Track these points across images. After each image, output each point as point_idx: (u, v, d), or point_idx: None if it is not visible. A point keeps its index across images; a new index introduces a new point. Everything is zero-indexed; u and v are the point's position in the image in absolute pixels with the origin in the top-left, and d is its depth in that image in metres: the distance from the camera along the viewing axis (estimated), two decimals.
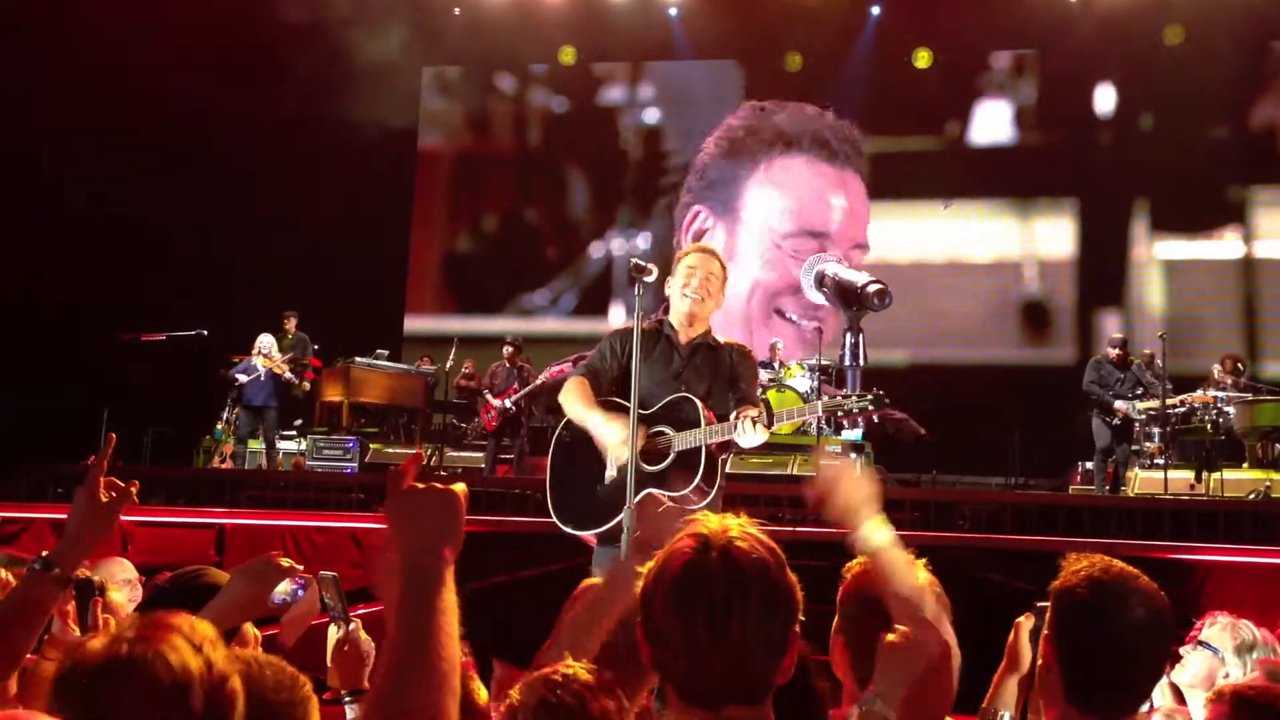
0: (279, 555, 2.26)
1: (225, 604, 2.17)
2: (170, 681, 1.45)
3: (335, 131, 13.37)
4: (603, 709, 1.82)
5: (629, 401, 4.17)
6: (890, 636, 1.88)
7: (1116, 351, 10.65)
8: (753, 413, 4.00)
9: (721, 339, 4.48)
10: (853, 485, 2.11)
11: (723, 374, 4.36)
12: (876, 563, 2.09)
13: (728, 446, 4.19)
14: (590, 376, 4.38)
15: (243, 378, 11.22)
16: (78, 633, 2.40)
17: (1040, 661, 2.04)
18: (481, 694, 2.22)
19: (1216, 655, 3.18)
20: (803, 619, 1.66)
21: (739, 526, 1.64)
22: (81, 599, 2.46)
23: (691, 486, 4.03)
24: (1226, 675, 3.10)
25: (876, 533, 2.08)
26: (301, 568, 2.27)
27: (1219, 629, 3.25)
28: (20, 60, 11.99)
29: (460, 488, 1.54)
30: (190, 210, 13.04)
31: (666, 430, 4.19)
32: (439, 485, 1.53)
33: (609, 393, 4.35)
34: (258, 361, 11.20)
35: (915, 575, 2.06)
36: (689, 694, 1.58)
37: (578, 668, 1.87)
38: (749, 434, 3.98)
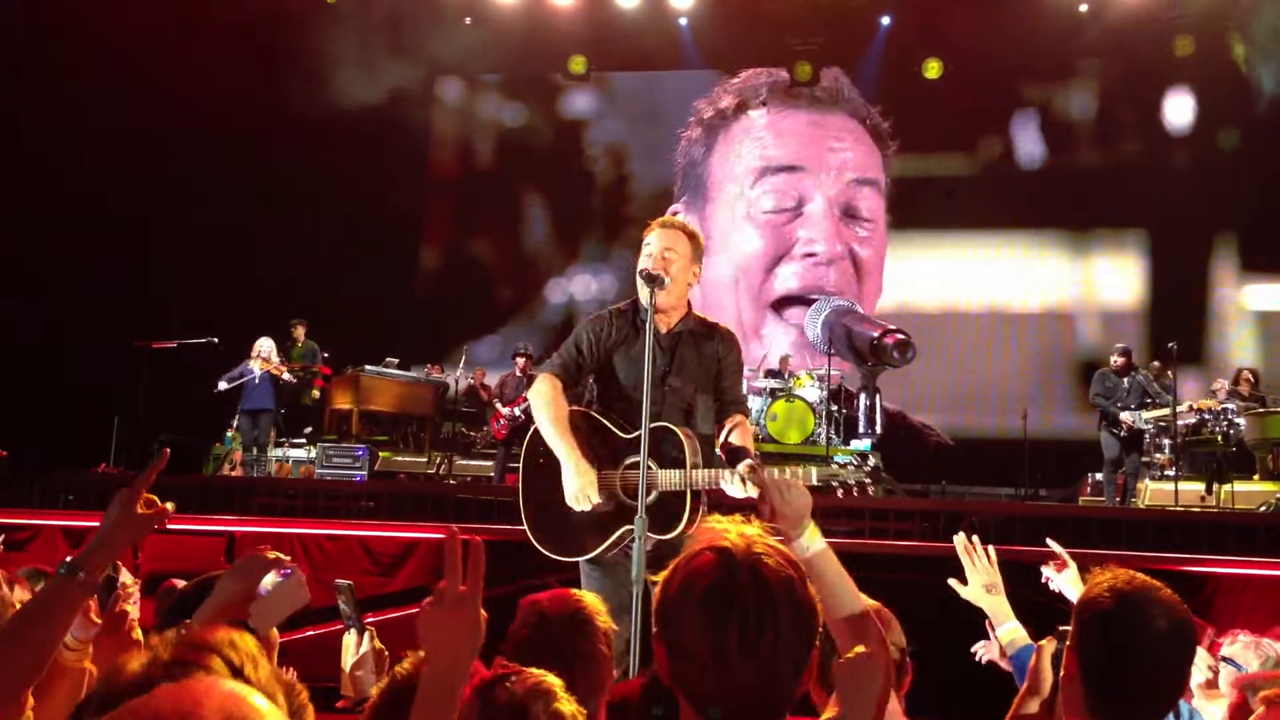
0: (265, 548, 2.24)
1: (217, 605, 2.15)
2: None
3: (349, 138, 13.42)
4: (567, 714, 1.83)
5: (613, 412, 3.95)
6: (844, 658, 1.89)
7: (1121, 360, 10.38)
8: (744, 469, 3.59)
9: (708, 319, 4.12)
10: (791, 495, 2.16)
11: (709, 369, 3.99)
12: (811, 570, 2.07)
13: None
14: (563, 374, 4.01)
15: (224, 385, 11.22)
16: (99, 623, 2.42)
17: (1063, 673, 2.05)
18: None
19: (1241, 672, 3.18)
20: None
21: (760, 540, 1.62)
22: (102, 591, 2.48)
23: (676, 533, 3.74)
24: None
25: (812, 542, 2.12)
26: (288, 558, 2.25)
27: (1242, 646, 3.25)
28: (32, 64, 12.07)
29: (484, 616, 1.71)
30: (202, 217, 13.09)
31: (651, 465, 3.75)
32: (474, 611, 1.69)
33: (582, 396, 4.05)
34: (255, 365, 11.19)
35: (850, 585, 2.10)
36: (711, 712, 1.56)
37: (526, 670, 1.88)
38: (740, 490, 3.62)
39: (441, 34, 14.08)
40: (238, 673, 1.45)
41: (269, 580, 2.17)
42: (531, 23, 14.27)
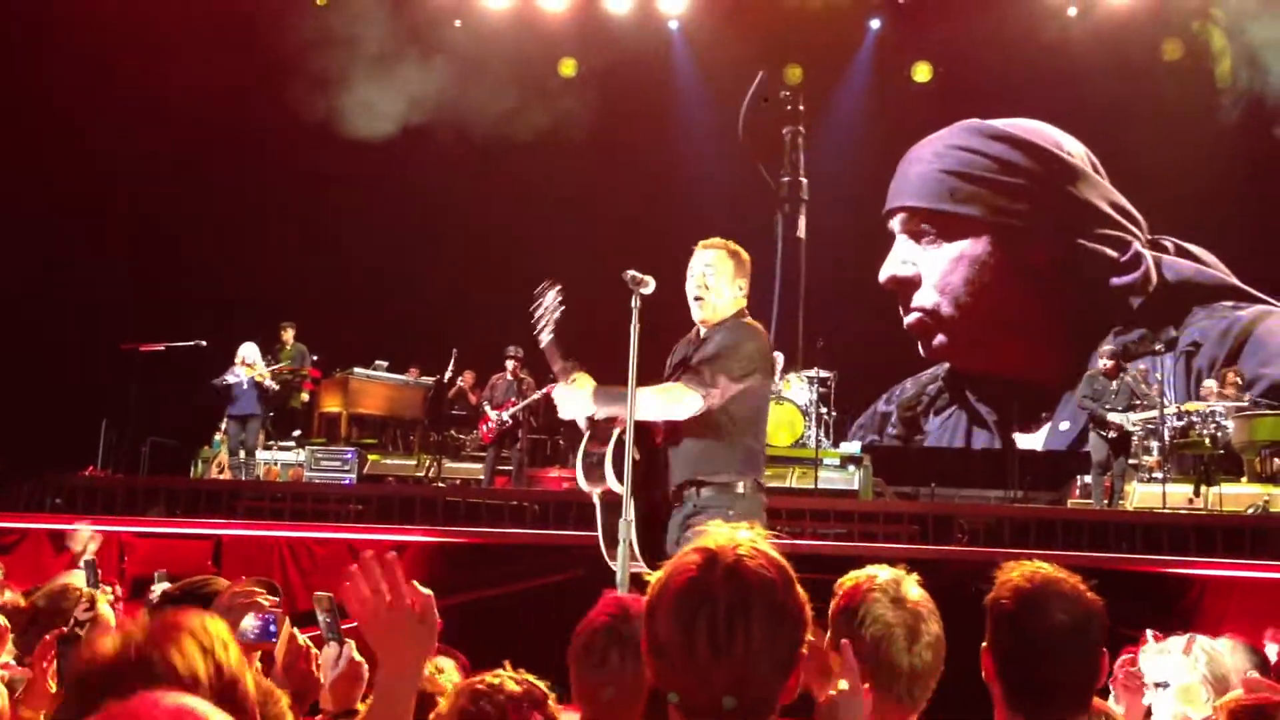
0: (259, 594, 2.27)
1: None
2: (177, 686, 1.41)
3: (337, 141, 13.37)
4: None
5: None
6: (827, 696, 1.87)
7: (1110, 363, 10.40)
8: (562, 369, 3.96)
9: (734, 318, 4.11)
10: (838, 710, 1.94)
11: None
12: None
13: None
14: None
15: (226, 380, 11.18)
16: (53, 688, 2.39)
17: (984, 675, 2.07)
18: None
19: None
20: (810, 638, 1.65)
21: (748, 542, 1.62)
22: (63, 651, 2.45)
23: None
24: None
25: None
26: (271, 601, 2.27)
27: (1152, 653, 3.19)
28: (28, 62, 12.02)
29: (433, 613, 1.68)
30: (191, 219, 13.04)
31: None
32: (411, 614, 1.66)
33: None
34: (240, 370, 11.13)
35: None
36: (691, 710, 1.57)
37: (505, 677, 1.85)
38: (562, 397, 3.97)
39: (432, 35, 14.03)
40: (207, 653, 1.46)
41: (248, 624, 2.17)
42: (521, 25, 14.24)
